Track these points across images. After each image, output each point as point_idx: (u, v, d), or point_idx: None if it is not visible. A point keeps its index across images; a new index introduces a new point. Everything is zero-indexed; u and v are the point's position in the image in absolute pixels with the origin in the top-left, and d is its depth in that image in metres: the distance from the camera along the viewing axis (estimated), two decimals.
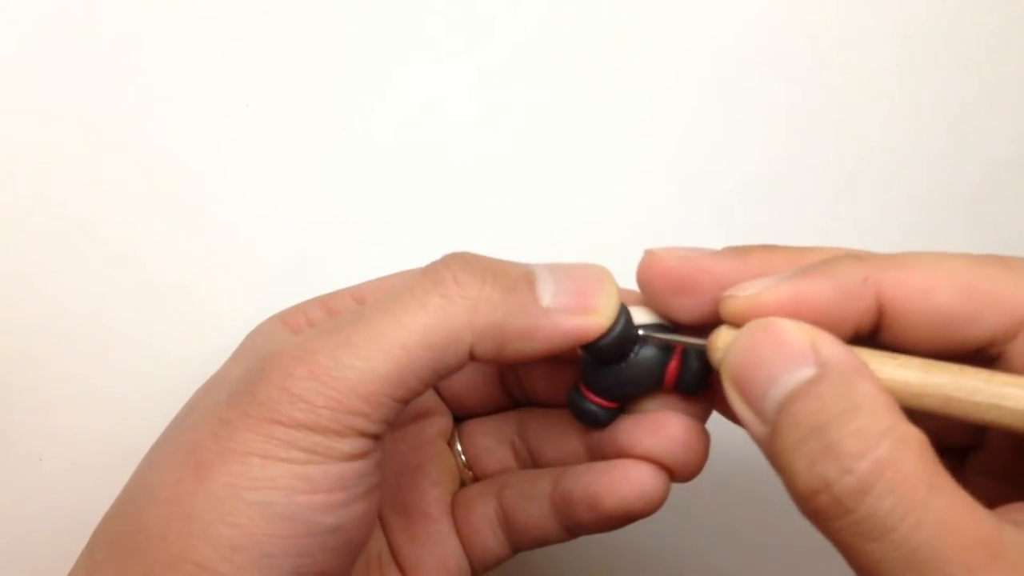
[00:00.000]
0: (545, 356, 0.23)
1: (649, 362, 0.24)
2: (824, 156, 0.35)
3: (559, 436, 0.27)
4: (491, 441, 0.29)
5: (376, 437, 0.22)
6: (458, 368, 0.22)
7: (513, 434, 0.29)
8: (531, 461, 0.28)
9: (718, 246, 0.24)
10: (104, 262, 0.31)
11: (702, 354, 0.23)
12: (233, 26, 0.31)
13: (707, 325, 0.23)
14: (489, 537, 0.27)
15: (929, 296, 0.21)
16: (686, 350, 0.24)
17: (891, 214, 0.36)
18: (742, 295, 0.22)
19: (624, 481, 0.25)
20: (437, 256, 0.24)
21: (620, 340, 0.24)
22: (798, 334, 0.20)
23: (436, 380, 0.22)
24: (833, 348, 0.20)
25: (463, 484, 0.29)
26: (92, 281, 0.31)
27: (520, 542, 0.27)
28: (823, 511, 0.18)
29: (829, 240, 0.24)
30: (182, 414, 0.25)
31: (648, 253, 0.24)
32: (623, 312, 0.24)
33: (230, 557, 0.20)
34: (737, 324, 0.22)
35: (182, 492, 0.21)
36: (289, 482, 0.21)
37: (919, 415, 0.19)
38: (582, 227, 0.34)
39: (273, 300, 0.30)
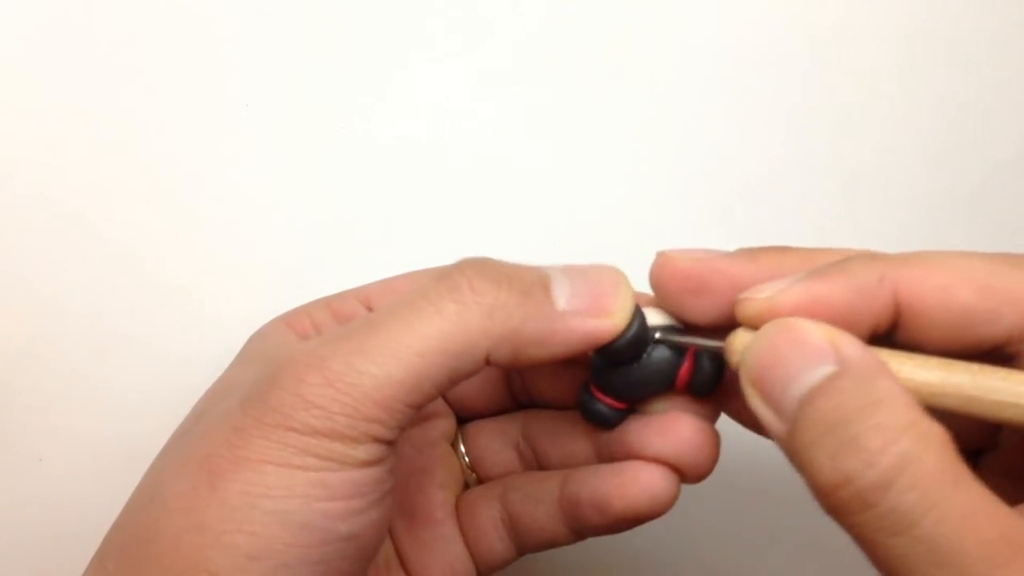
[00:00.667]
0: (560, 359, 0.23)
1: (661, 363, 0.24)
2: (824, 156, 0.35)
3: (565, 438, 0.27)
4: (496, 443, 0.29)
5: (391, 443, 0.22)
6: (473, 374, 0.22)
7: (518, 435, 0.28)
8: (536, 463, 0.28)
9: (719, 246, 0.24)
10: (104, 262, 0.31)
11: (714, 356, 0.23)
12: (233, 26, 0.30)
13: (720, 326, 0.23)
14: (494, 540, 0.27)
15: (947, 295, 0.21)
16: (697, 352, 0.24)
17: (891, 214, 0.36)
18: (759, 297, 0.22)
19: (634, 483, 0.24)
20: (437, 256, 0.24)
21: (635, 342, 0.23)
22: (817, 333, 0.20)
23: (450, 386, 0.22)
24: (853, 346, 0.20)
25: (467, 486, 0.29)
26: (92, 281, 0.31)
27: (526, 544, 0.27)
28: (845, 506, 0.18)
29: (830, 240, 0.24)
30: (190, 420, 0.25)
31: (661, 255, 0.24)
32: (638, 314, 0.23)
33: (246, 567, 0.20)
34: (754, 326, 0.22)
35: (195, 501, 0.21)
36: (306, 490, 0.20)
37: (936, 415, 0.19)
38: (582, 227, 0.34)
39: (273, 300, 0.30)
